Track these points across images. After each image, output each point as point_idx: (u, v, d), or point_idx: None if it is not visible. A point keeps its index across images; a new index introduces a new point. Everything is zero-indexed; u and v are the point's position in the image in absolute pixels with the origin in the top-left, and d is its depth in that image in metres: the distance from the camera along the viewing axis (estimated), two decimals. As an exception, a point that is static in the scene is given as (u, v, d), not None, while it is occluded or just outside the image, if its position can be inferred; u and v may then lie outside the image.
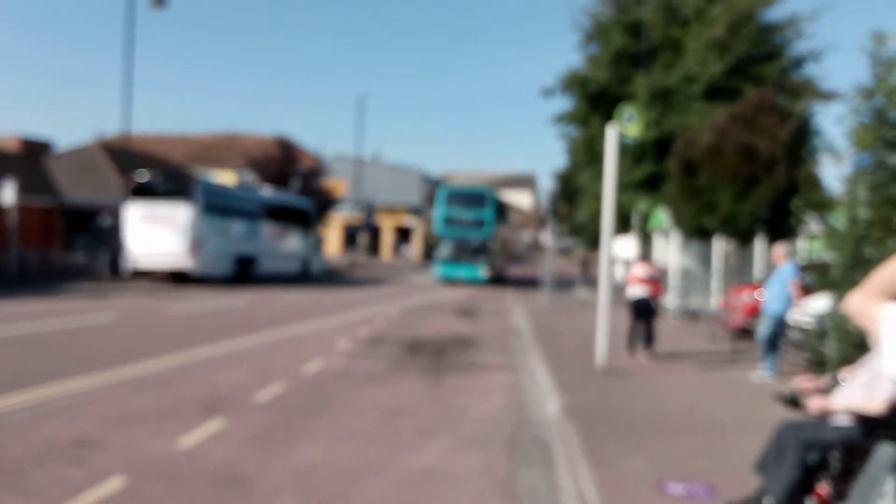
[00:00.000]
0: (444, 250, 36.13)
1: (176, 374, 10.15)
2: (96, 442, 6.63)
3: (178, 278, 27.57)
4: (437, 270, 36.28)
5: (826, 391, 4.96)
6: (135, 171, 29.09)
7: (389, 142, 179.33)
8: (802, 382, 5.12)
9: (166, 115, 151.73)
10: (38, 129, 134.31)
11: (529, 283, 36.82)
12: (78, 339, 13.09)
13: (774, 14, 27.11)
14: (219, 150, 64.11)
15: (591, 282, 24.72)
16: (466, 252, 35.45)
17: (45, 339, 12.89)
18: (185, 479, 5.80)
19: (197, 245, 26.68)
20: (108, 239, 31.45)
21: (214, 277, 28.08)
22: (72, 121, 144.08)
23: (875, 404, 4.56)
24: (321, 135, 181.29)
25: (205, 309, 19.40)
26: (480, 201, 35.80)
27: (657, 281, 13.85)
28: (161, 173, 30.20)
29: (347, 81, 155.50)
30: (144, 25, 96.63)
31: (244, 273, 30.38)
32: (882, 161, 9.25)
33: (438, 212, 36.22)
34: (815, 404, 4.82)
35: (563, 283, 31.49)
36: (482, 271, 35.13)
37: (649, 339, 12.72)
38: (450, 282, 35.54)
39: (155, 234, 26.65)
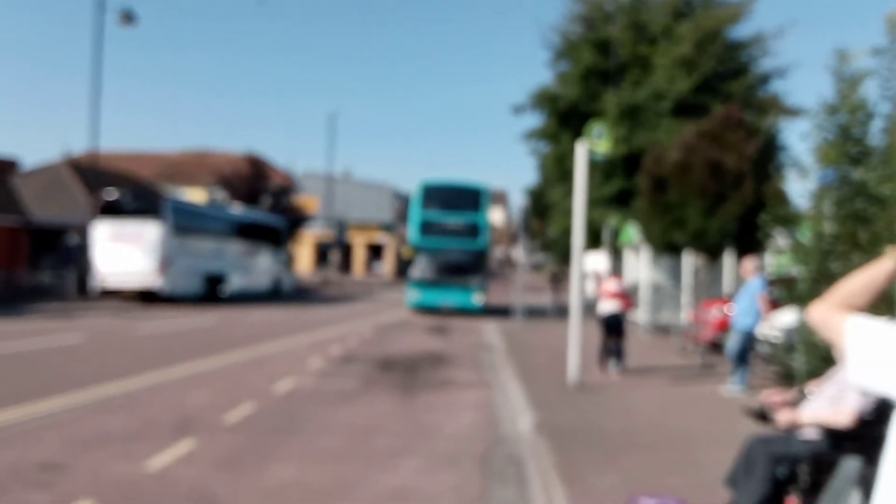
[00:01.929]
0: (423, 268, 26.88)
1: (144, 394, 10.02)
2: (63, 465, 6.52)
3: (146, 297, 27.23)
4: (411, 295, 26.86)
5: (794, 405, 5.01)
6: (103, 190, 28.79)
7: (361, 159, 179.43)
8: (771, 396, 5.17)
9: (135, 132, 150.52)
10: (3, 147, 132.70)
11: (501, 300, 35.00)
12: (44, 360, 12.88)
13: (740, 32, 27.56)
14: (188, 167, 63.67)
15: (562, 310, 23.02)
16: (454, 270, 26.64)
17: (11, 361, 12.67)
18: (154, 502, 5.72)
19: (166, 264, 26.43)
20: (76, 258, 31.02)
21: (184, 296, 27.80)
22: (39, 139, 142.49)
23: (842, 417, 4.62)
24: (292, 152, 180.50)
25: (174, 328, 19.19)
26: (473, 201, 27.07)
27: (628, 295, 13.96)
28: (129, 191, 29.95)
29: (318, 99, 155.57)
30: (113, 43, 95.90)
31: (214, 291, 30.13)
32: (846, 176, 9.41)
33: (414, 215, 27.15)
34: (783, 418, 4.87)
35: (535, 301, 31.52)
36: (476, 297, 26.46)
37: (620, 354, 12.80)
38: (429, 311, 26.79)
39: (123, 252, 26.35)
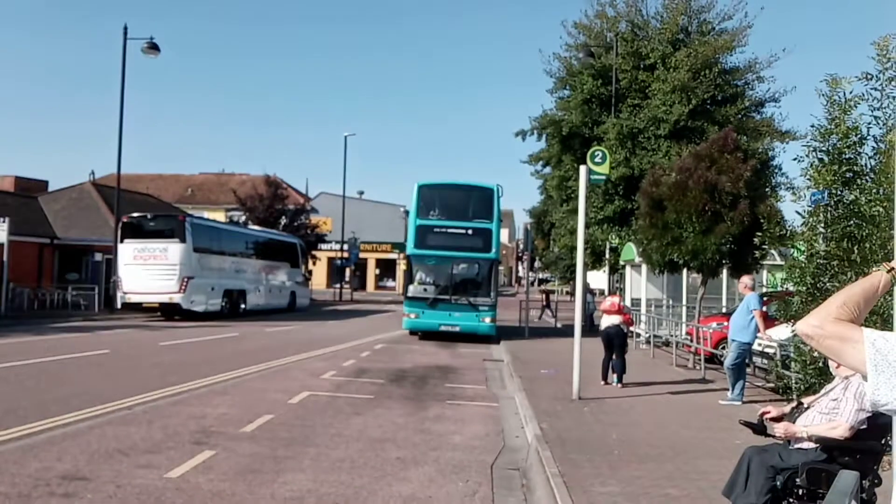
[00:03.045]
0: (420, 284, 22.18)
1: (165, 406, 10.00)
2: (85, 476, 6.49)
3: (168, 313, 27.30)
4: (408, 317, 21.91)
5: (791, 417, 4.97)
6: (127, 210, 28.94)
7: (373, 179, 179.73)
8: (768, 409, 5.14)
9: (158, 155, 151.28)
10: (34, 170, 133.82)
11: (506, 316, 34.80)
12: (68, 373, 12.88)
13: (735, 60, 27.62)
14: (209, 189, 63.99)
15: (555, 329, 22.43)
16: (458, 286, 21.74)
17: (36, 374, 12.66)
18: (174, 510, 5.68)
19: (187, 281, 26.50)
20: (101, 275, 31.16)
21: (204, 312, 27.83)
22: (67, 162, 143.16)
23: (838, 430, 4.58)
24: (307, 173, 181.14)
25: (194, 343, 19.19)
26: (480, 203, 21.97)
27: (628, 312, 13.91)
28: (152, 212, 30.10)
29: (332, 123, 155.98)
30: (138, 70, 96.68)
31: (233, 307, 30.17)
32: (839, 198, 9.38)
33: (412, 221, 22.23)
34: (780, 430, 4.83)
35: (538, 318, 31.36)
36: (485, 318, 21.31)
37: (622, 367, 12.72)
38: (426, 334, 21.92)
39: (146, 270, 26.46)
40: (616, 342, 12.73)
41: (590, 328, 20.72)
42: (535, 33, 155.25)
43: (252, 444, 7.89)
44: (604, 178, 16.37)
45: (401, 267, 66.86)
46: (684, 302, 20.66)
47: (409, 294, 22.02)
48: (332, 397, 11.27)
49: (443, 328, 21.25)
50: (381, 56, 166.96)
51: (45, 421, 8.66)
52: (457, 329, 21.22)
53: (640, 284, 22.75)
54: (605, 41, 28.33)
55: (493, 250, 21.51)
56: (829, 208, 9.47)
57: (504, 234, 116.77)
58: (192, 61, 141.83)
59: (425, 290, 21.91)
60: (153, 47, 28.29)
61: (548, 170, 31.69)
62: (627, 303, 19.43)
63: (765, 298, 12.92)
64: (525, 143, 30.39)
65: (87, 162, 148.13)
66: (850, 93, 9.29)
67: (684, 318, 19.06)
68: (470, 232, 21.58)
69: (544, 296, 35.84)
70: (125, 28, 28.61)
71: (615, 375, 12.68)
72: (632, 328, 15.82)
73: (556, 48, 35.66)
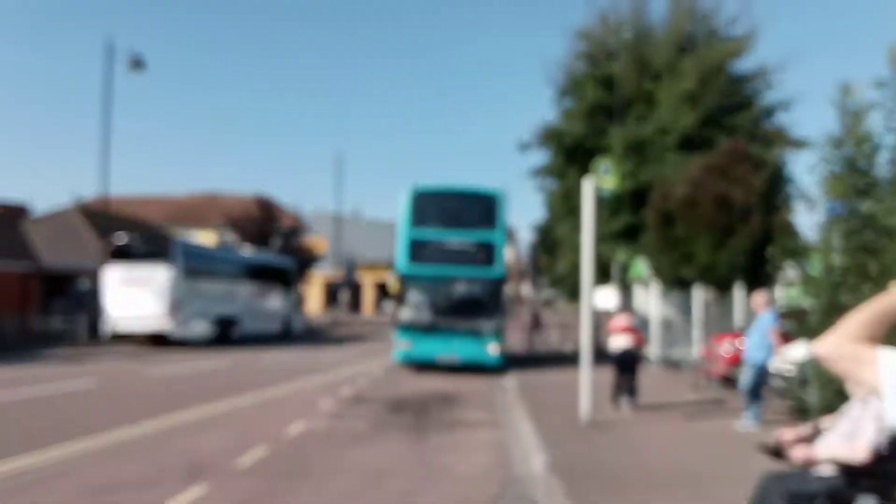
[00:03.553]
0: (414, 307, 19.84)
1: (157, 439, 9.99)
2: (75, 513, 6.48)
3: (158, 341, 27.27)
4: (399, 345, 19.70)
5: (809, 440, 4.97)
6: (113, 234, 28.99)
7: (369, 198, 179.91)
8: (785, 433, 5.13)
9: (145, 176, 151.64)
10: (14, 193, 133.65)
11: (510, 337, 33.83)
12: (56, 406, 12.86)
13: (744, 65, 27.75)
14: (199, 210, 64.10)
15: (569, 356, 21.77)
16: (458, 309, 19.60)
17: (22, 407, 12.65)
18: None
19: (176, 307, 26.51)
20: (87, 303, 31.15)
21: (195, 339, 27.81)
22: (49, 185, 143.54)
23: (858, 453, 4.57)
24: (300, 192, 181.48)
25: (185, 371, 19.17)
26: (484, 211, 19.81)
27: (639, 331, 13.90)
28: (139, 235, 30.17)
29: (325, 139, 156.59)
30: (122, 88, 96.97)
31: (225, 334, 30.14)
32: (854, 209, 9.42)
33: (402, 233, 19.96)
34: (798, 454, 4.82)
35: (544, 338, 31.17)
36: (490, 347, 19.23)
37: (633, 390, 12.70)
38: (420, 365, 19.88)
39: (134, 296, 26.46)
40: (627, 365, 12.71)
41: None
42: (538, 41, 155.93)
43: (247, 478, 7.87)
44: (611, 192, 16.43)
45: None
46: (696, 320, 20.65)
47: (401, 319, 19.72)
48: (330, 427, 11.25)
49: (439, 359, 19.26)
50: (378, 62, 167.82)
51: (34, 455, 8.65)
52: (456, 360, 19.23)
53: (650, 302, 22.75)
54: (608, 49, 28.52)
55: (499, 266, 19.52)
56: (845, 220, 9.51)
57: (508, 252, 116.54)
58: (179, 71, 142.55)
59: (419, 314, 19.75)
60: (138, 64, 28.50)
61: (550, 182, 31.70)
62: (637, 321, 19.37)
63: (780, 315, 12.91)
64: (526, 156, 30.51)
65: (70, 183, 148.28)
66: (863, 100, 9.35)
67: (697, 337, 19.05)
68: (471, 245, 19.61)
69: (533, 317, 32.52)
70: (110, 48, 28.81)
71: (626, 399, 12.66)
72: (643, 347, 15.77)
73: (559, 56, 35.84)
